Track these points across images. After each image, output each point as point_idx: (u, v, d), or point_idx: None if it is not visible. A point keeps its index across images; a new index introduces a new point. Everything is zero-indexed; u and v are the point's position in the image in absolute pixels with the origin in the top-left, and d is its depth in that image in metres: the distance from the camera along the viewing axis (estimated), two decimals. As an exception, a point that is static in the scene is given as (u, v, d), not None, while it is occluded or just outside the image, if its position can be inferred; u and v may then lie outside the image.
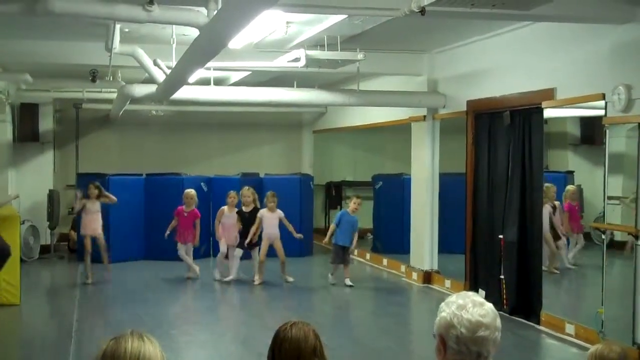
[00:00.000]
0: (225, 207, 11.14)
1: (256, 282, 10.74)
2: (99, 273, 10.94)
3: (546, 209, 9.26)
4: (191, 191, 11.42)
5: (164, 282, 11.07)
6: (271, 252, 10.90)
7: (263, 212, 10.88)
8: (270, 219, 10.87)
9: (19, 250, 9.66)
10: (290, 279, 10.85)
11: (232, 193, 11.23)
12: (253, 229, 10.81)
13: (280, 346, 2.89)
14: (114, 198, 11.15)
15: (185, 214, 11.22)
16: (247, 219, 10.95)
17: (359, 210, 10.87)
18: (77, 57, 9.78)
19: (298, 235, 10.99)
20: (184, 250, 11.19)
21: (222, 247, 11.06)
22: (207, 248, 12.72)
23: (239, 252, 10.97)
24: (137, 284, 10.95)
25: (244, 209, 11.02)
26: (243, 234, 10.92)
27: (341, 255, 10.73)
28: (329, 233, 10.91)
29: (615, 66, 7.15)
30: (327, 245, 11.10)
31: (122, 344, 2.19)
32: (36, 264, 12.67)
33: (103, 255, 10.95)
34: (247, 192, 11.09)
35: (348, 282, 10.71)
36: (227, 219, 11.07)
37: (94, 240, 10.95)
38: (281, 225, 10.93)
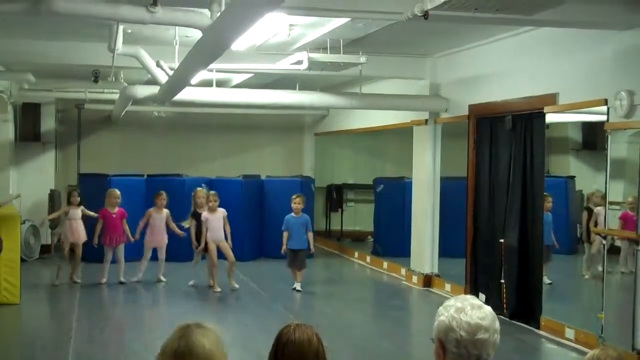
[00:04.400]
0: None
1: (217, 290, 10.39)
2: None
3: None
4: (116, 191, 11.23)
5: (162, 283, 11.06)
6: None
7: (205, 214, 10.53)
8: (214, 220, 10.54)
9: (19, 249, 9.67)
10: (236, 286, 10.53)
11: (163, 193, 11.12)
12: (203, 232, 10.47)
13: (283, 349, 2.84)
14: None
15: (114, 215, 11.02)
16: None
17: (300, 208, 10.52)
18: (80, 58, 9.80)
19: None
20: (112, 254, 10.99)
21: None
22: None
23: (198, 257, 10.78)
24: (136, 284, 10.94)
25: (199, 211, 10.72)
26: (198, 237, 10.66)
27: (295, 259, 10.49)
28: (283, 241, 10.47)
29: (617, 72, 7.16)
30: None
31: (193, 341, 2.23)
32: (36, 264, 12.68)
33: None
34: (202, 193, 10.86)
35: (298, 286, 10.47)
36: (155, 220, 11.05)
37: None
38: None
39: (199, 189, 11.14)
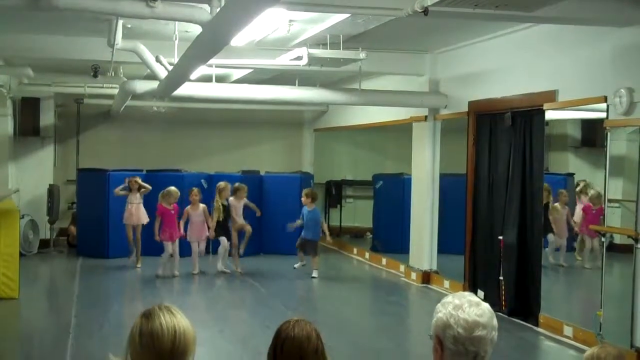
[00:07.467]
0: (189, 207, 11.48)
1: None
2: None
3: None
4: (177, 192, 11.44)
5: (162, 278, 11.06)
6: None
7: (233, 201, 11.51)
8: (239, 208, 11.59)
9: (18, 244, 9.67)
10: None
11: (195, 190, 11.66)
12: (233, 217, 11.50)
13: (282, 345, 2.84)
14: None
15: (172, 212, 11.27)
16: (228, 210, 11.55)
17: (308, 201, 11.31)
18: (79, 52, 9.77)
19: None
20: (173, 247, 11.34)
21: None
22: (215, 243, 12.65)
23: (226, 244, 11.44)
24: (136, 279, 10.96)
25: (224, 203, 11.44)
26: (224, 225, 11.38)
27: (306, 246, 11.27)
28: (297, 223, 11.38)
29: (617, 69, 7.15)
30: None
31: (156, 320, 2.23)
32: (35, 259, 12.68)
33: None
34: (224, 185, 11.56)
35: (314, 274, 11.19)
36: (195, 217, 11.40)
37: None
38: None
39: (221, 182, 11.73)
